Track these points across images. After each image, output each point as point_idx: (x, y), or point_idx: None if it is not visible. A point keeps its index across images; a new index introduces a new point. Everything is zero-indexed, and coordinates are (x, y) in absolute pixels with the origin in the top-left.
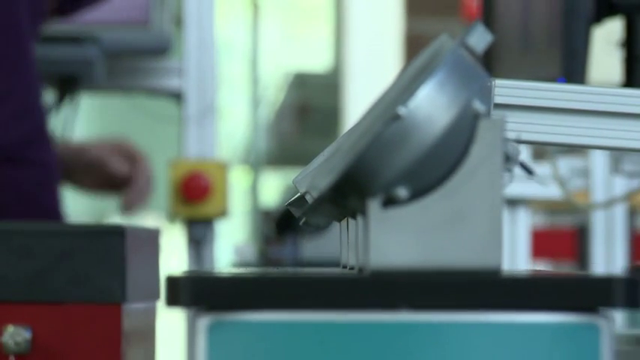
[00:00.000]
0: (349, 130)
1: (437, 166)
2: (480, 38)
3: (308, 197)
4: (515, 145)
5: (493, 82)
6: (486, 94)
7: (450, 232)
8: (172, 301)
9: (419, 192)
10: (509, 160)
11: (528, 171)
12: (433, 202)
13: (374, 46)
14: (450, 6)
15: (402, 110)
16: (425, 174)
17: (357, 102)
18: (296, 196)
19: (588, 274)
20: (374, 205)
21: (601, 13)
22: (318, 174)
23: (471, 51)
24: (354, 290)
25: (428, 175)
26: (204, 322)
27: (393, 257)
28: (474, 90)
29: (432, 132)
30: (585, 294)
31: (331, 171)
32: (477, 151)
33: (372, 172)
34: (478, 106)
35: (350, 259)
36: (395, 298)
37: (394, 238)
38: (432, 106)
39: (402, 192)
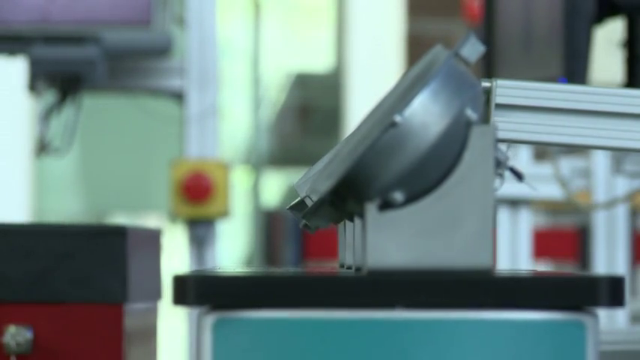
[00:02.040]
0: (347, 137)
1: (431, 171)
2: (472, 49)
3: (308, 201)
4: (505, 150)
5: (494, 83)
6: (478, 103)
7: (443, 234)
8: (179, 300)
9: (414, 196)
10: (500, 165)
11: (518, 176)
12: (427, 206)
13: (375, 47)
14: (451, 7)
15: (397, 118)
16: (420, 179)
17: (358, 102)
18: (297, 200)
19: (574, 273)
20: (371, 208)
21: (602, 14)
22: (317, 179)
23: (464, 61)
24: (352, 289)
25: (423, 180)
26: (209, 319)
27: (390, 258)
28: (467, 98)
29: (427, 139)
30: (571, 293)
31: (330, 176)
32: (469, 156)
33: (370, 177)
34: (470, 114)
35: (348, 259)
36: (391, 297)
37: (390, 239)
38: (427, 114)
39: (397, 196)
